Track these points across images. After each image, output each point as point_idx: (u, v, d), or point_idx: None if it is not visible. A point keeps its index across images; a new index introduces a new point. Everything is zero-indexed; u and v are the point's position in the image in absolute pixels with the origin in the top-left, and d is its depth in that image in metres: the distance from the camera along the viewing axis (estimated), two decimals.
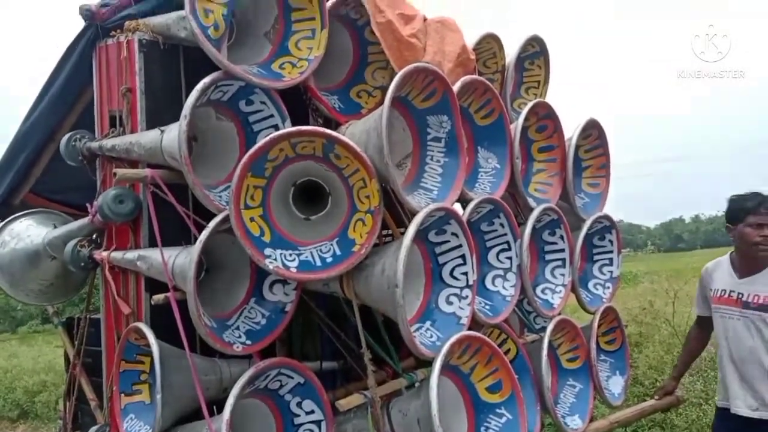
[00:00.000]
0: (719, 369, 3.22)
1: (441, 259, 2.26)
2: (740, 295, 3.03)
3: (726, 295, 3.10)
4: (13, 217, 3.35)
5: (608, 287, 3.16)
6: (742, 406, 2.97)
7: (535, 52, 3.43)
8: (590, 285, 3.16)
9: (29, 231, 3.22)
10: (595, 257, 3.21)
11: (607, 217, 3.12)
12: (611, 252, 3.20)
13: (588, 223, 3.01)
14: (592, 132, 3.16)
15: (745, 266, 3.07)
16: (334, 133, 2.02)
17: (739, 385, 2.99)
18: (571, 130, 3.09)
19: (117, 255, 2.56)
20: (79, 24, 2.72)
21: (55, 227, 3.17)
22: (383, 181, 2.07)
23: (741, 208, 3.00)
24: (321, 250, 2.10)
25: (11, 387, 9.57)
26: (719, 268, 3.22)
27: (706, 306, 3.26)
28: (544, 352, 2.61)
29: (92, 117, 2.84)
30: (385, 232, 2.61)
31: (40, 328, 22.70)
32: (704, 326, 3.32)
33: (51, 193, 3.76)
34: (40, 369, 9.95)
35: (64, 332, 3.57)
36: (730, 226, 3.08)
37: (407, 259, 1.92)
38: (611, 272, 3.19)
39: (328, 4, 2.38)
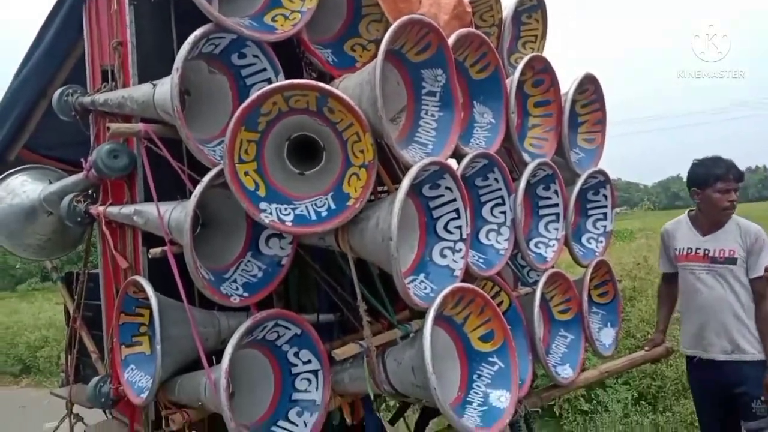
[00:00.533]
0: (685, 320, 3.54)
1: (435, 213, 2.29)
2: (707, 251, 3.35)
3: (693, 253, 3.42)
4: (8, 173, 3.35)
5: (601, 241, 3.20)
6: (718, 351, 3.29)
7: (532, 5, 3.38)
8: (583, 239, 3.19)
9: (25, 187, 3.23)
10: (589, 212, 3.24)
11: (601, 172, 3.13)
12: (605, 207, 3.22)
13: (582, 178, 3.02)
14: (589, 87, 3.14)
15: (707, 225, 3.39)
16: (327, 87, 2.01)
17: (714, 333, 3.29)
18: (567, 84, 3.08)
19: (113, 210, 2.57)
20: None
21: (51, 183, 3.17)
22: (377, 135, 2.07)
23: (709, 174, 3.28)
24: (316, 204, 2.11)
25: (13, 343, 9.77)
26: (680, 227, 3.54)
27: (670, 264, 3.59)
28: (537, 303, 2.65)
29: (84, 72, 2.83)
30: (380, 188, 2.62)
31: (39, 286, 22.92)
32: (671, 281, 3.62)
33: (45, 149, 3.75)
34: (42, 325, 10.13)
35: (64, 287, 3.60)
36: (697, 190, 3.36)
37: (401, 213, 1.94)
38: (605, 227, 3.22)
39: None
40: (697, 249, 3.39)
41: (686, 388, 4.93)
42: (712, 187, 3.26)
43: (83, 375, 3.43)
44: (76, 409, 3.33)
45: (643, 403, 5.47)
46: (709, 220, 3.37)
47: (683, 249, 3.45)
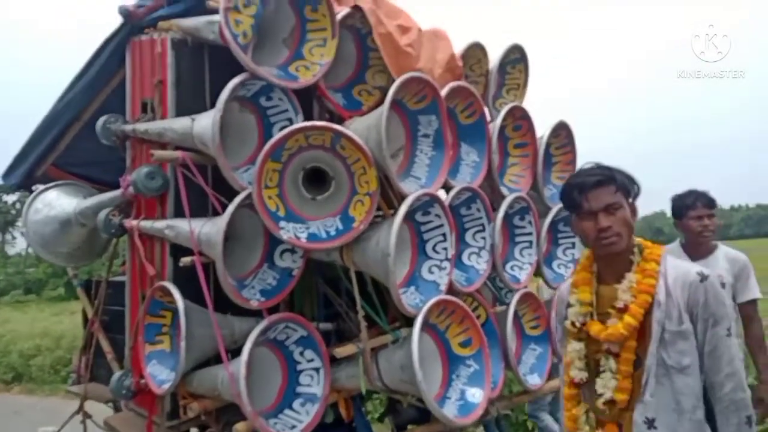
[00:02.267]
0: None
1: (425, 236, 2.70)
2: None
3: None
4: (44, 187, 3.70)
5: (570, 267, 3.62)
6: None
7: (515, 58, 3.84)
8: (554, 264, 3.61)
9: (60, 200, 3.58)
10: (560, 241, 3.66)
11: None
12: (573, 237, 3.65)
13: (553, 211, 3.46)
14: (561, 132, 3.59)
15: (695, 252, 3.60)
16: (341, 128, 2.44)
17: None
18: (542, 128, 3.54)
19: (146, 224, 2.93)
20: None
21: (84, 198, 3.54)
22: (380, 169, 2.50)
23: (683, 205, 3.56)
24: (326, 225, 2.52)
25: (6, 351, 9.91)
26: (673, 253, 3.71)
27: None
28: (510, 317, 3.05)
29: (116, 102, 3.20)
30: (377, 213, 3.03)
31: (22, 298, 22.84)
32: None
33: (70, 166, 4.08)
34: (36, 334, 10.27)
35: (83, 292, 3.93)
36: (677, 221, 3.65)
37: (398, 234, 2.35)
38: (573, 254, 3.65)
39: (339, 16, 2.78)
40: None
41: None
42: (686, 216, 3.53)
43: (96, 375, 3.75)
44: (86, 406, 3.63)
45: None
46: (693, 247, 3.57)
47: None
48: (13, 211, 36.48)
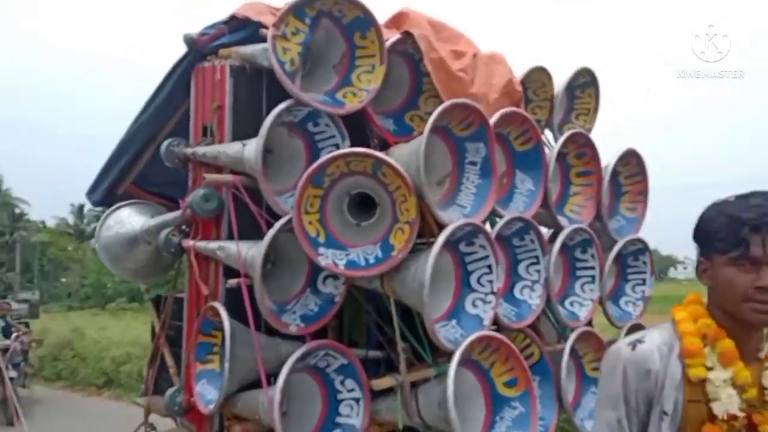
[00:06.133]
0: None
1: (470, 267, 2.59)
2: None
3: None
4: (118, 205, 3.89)
5: (639, 305, 3.38)
6: None
7: (585, 81, 3.68)
8: (621, 302, 3.38)
9: (131, 218, 3.75)
10: (629, 276, 3.43)
11: (640, 240, 3.34)
12: (644, 273, 3.41)
13: (620, 244, 3.24)
14: (631, 160, 3.38)
15: None
16: (381, 155, 2.40)
17: None
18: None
19: (201, 244, 3.01)
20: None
21: (152, 217, 3.70)
22: (422, 197, 2.43)
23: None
24: (366, 252, 2.48)
25: (100, 357, 10.50)
26: None
27: None
28: (565, 356, 2.88)
29: (187, 125, 3.34)
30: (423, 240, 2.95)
31: (126, 306, 24.33)
32: None
33: (149, 185, 4.26)
34: (127, 342, 10.83)
35: (153, 307, 4.09)
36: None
37: (435, 264, 2.27)
38: (643, 291, 3.40)
39: (391, 41, 2.77)
40: None
41: None
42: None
43: (161, 387, 3.86)
44: (152, 419, 3.74)
45: None
46: None
47: None
48: None
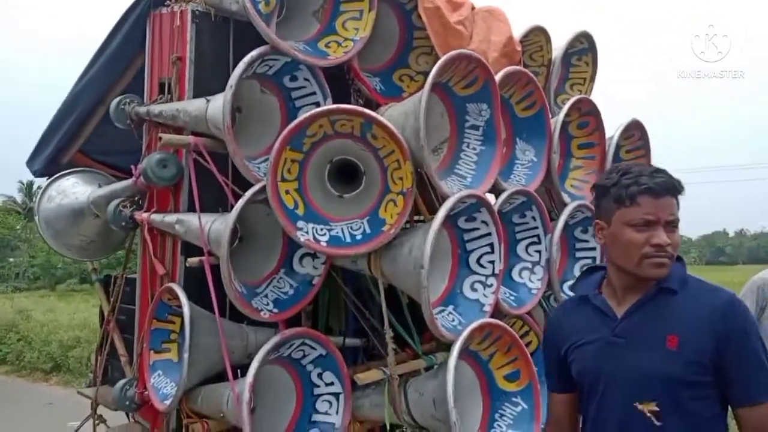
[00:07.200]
0: None
1: (469, 246, 2.29)
2: None
3: None
4: (60, 174, 3.48)
5: None
6: None
7: (583, 48, 3.40)
8: None
9: (75, 188, 3.35)
10: None
11: None
12: None
13: None
14: (635, 132, 3.12)
15: None
16: (372, 113, 2.06)
17: None
18: (613, 129, 3.07)
19: (156, 217, 2.65)
20: None
21: (100, 187, 3.29)
22: (417, 164, 2.10)
23: None
24: (351, 227, 2.15)
25: (47, 340, 9.95)
26: None
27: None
28: None
29: (143, 83, 2.94)
30: (416, 217, 2.64)
31: (78, 287, 23.51)
32: None
33: (98, 154, 3.87)
34: (75, 325, 10.32)
35: (101, 289, 3.70)
36: None
37: (435, 242, 1.95)
38: None
39: None
40: None
41: None
42: None
43: (110, 377, 3.49)
44: (101, 410, 3.39)
45: None
46: None
47: None
48: None
